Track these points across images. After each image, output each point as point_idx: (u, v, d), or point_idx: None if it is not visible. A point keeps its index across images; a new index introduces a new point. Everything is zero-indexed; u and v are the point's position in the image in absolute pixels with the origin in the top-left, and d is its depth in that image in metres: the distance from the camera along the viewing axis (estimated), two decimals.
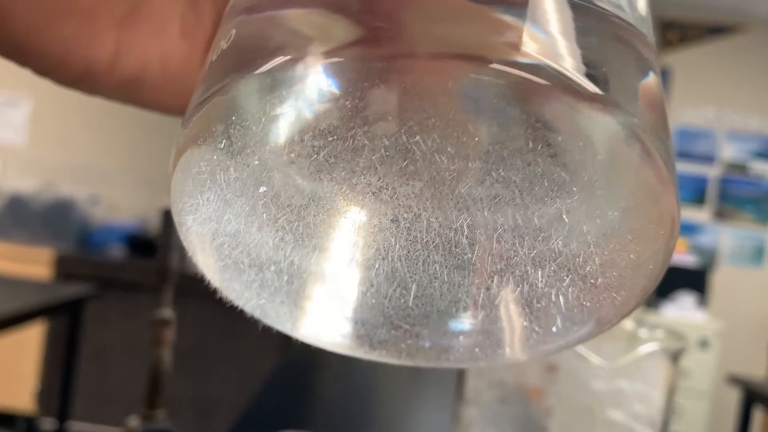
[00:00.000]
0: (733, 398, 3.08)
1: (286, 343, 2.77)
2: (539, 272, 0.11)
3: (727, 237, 3.33)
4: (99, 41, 0.17)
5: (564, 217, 0.11)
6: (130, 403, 1.94)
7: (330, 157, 0.10)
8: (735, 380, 2.20)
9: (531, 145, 0.10)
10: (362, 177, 0.11)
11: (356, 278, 0.12)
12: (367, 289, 0.12)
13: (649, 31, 0.12)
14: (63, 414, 2.12)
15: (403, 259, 0.11)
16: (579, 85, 0.09)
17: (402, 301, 0.12)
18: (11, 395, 2.75)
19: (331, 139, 0.10)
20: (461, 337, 0.12)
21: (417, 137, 0.10)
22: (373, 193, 0.11)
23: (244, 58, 0.11)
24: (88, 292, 2.09)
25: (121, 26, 0.18)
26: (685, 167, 3.34)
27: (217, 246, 0.13)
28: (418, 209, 0.11)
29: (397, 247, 0.11)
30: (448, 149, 0.10)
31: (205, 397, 2.78)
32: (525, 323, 0.12)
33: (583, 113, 0.10)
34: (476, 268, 0.11)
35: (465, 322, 0.12)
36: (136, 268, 2.81)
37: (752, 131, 3.37)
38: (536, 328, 0.12)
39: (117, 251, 2.99)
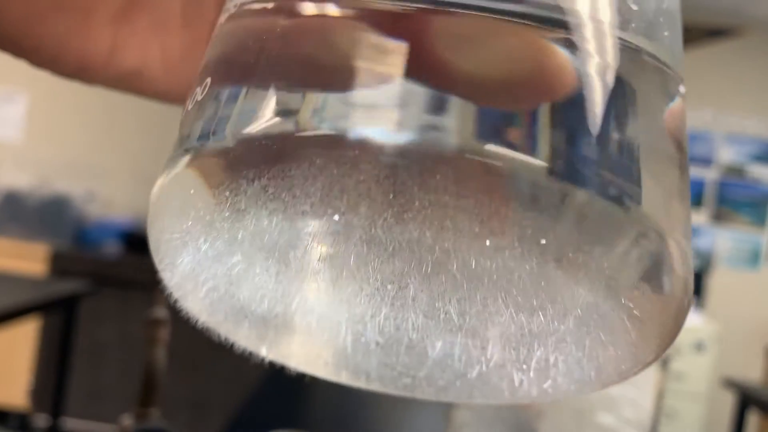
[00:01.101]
0: (728, 402, 3.09)
1: None
2: (536, 344, 0.11)
3: (724, 240, 3.33)
4: (95, 36, 0.17)
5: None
6: (124, 401, 1.89)
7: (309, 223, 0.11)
8: (730, 383, 2.21)
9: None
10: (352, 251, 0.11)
11: (346, 327, 0.12)
12: (358, 338, 0.12)
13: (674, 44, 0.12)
14: (56, 411, 2.11)
15: (390, 320, 0.11)
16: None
17: (393, 352, 0.12)
18: (5, 391, 2.74)
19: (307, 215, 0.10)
20: (457, 383, 0.12)
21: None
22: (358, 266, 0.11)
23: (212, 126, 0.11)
24: (83, 289, 2.08)
25: (118, 21, 0.17)
26: None
27: (204, 291, 0.13)
28: (406, 282, 0.11)
29: (383, 311, 0.11)
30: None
31: (200, 396, 2.78)
32: (522, 378, 0.12)
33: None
34: (469, 333, 0.11)
35: (461, 372, 0.12)
36: (131, 264, 2.80)
37: (750, 134, 3.37)
38: (533, 383, 0.12)
39: (112, 248, 2.98)
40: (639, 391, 0.29)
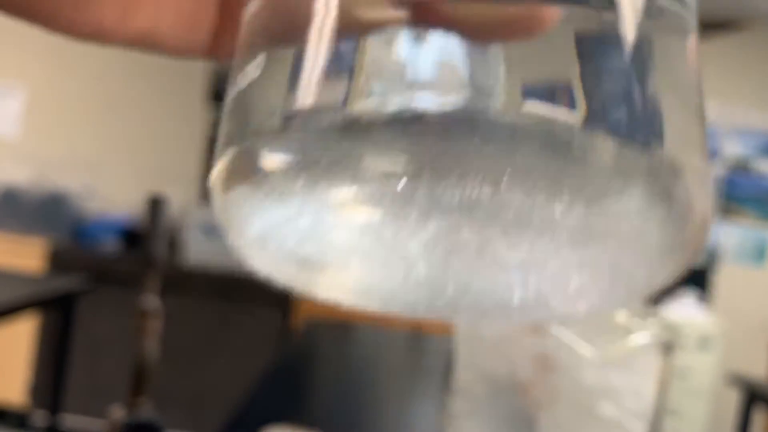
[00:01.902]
0: (733, 398, 3.07)
1: (278, 338, 2.77)
2: (578, 270, 0.13)
3: (729, 235, 3.31)
4: (107, 1, 0.18)
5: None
6: (123, 397, 1.86)
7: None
8: (736, 380, 2.19)
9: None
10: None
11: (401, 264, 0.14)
12: (410, 275, 0.14)
13: None
14: (55, 407, 2.11)
15: (441, 259, 0.13)
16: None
17: (441, 286, 0.14)
18: (3, 389, 2.75)
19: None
20: (498, 309, 0.14)
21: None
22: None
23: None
24: (81, 286, 2.07)
25: None
26: None
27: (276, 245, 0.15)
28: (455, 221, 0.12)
29: (435, 252, 0.13)
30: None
31: (197, 393, 2.78)
32: (560, 300, 0.14)
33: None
34: (513, 267, 0.13)
35: (504, 300, 0.14)
36: (129, 261, 2.79)
37: (756, 128, 3.35)
38: (574, 303, 0.14)
39: (111, 244, 2.97)
40: (641, 381, 0.28)
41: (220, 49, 0.19)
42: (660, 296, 2.98)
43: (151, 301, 0.35)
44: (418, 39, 0.11)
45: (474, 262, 0.13)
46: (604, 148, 0.11)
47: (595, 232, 0.12)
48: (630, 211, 0.12)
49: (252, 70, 0.13)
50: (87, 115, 3.32)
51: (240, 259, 0.16)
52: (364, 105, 0.11)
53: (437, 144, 0.11)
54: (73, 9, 0.17)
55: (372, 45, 0.12)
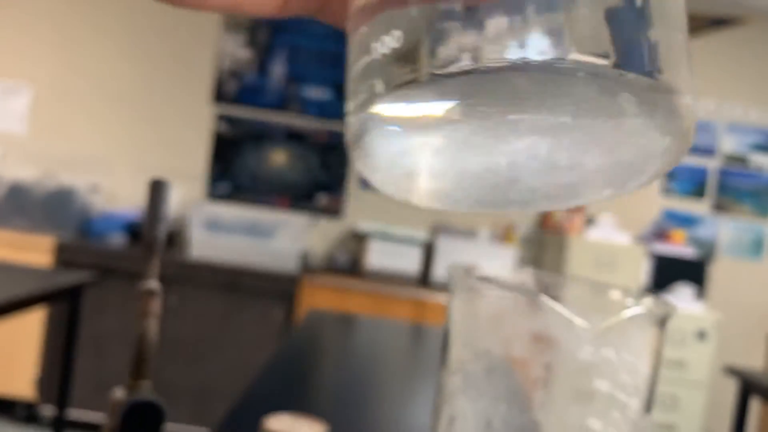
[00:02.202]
0: (730, 389, 3.09)
1: (282, 332, 2.78)
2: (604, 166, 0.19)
3: (726, 229, 3.33)
4: None
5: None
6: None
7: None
8: (733, 371, 2.21)
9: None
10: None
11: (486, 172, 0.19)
12: (485, 181, 0.19)
13: None
14: (62, 401, 2.12)
15: (509, 168, 0.19)
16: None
17: (504, 187, 0.20)
18: (11, 382, 2.77)
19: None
20: (545, 200, 0.20)
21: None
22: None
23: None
24: (88, 279, 2.09)
25: None
26: (684, 159, 3.33)
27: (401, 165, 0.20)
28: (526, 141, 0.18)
29: (507, 164, 0.19)
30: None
31: (203, 386, 2.79)
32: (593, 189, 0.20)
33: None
34: (558, 169, 0.19)
35: (551, 194, 0.20)
36: (135, 256, 2.81)
37: (752, 124, 3.36)
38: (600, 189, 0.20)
39: (117, 240, 2.99)
40: (636, 356, 0.29)
41: (286, 10, 0.23)
42: (658, 289, 3.00)
43: (153, 284, 0.36)
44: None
45: (532, 168, 0.19)
46: (626, 82, 0.16)
47: (616, 139, 0.18)
48: (640, 122, 0.17)
49: (386, 38, 0.17)
50: (93, 113, 3.33)
51: (368, 178, 0.20)
52: (491, 57, 0.16)
53: (524, 86, 0.16)
54: None
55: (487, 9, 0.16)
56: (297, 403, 0.95)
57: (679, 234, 3.04)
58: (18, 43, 3.32)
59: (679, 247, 3.01)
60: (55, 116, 3.33)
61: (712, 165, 3.35)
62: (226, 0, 0.22)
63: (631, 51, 0.16)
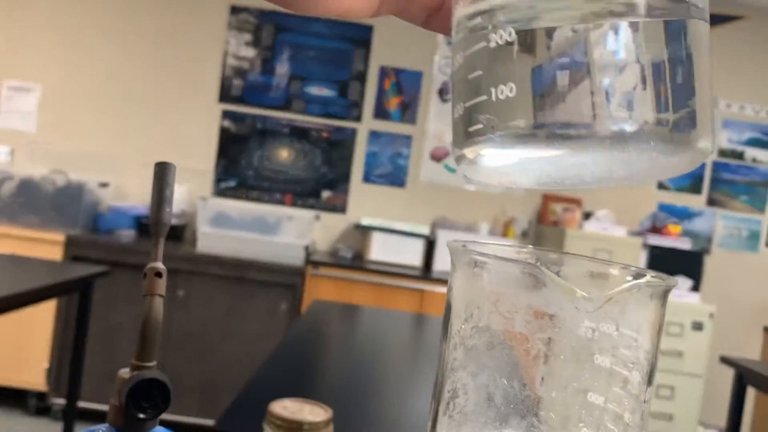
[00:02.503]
0: (726, 379, 3.11)
1: (288, 324, 2.79)
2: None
3: (722, 222, 3.34)
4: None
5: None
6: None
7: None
8: (729, 362, 2.22)
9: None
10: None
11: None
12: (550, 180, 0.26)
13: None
14: (73, 392, 2.14)
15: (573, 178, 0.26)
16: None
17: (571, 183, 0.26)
18: (23, 374, 2.79)
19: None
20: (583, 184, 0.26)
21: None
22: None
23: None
24: (98, 272, 2.10)
25: None
26: None
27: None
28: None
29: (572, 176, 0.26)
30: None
31: (210, 378, 2.81)
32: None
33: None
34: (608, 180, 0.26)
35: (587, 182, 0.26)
36: (144, 250, 2.82)
37: (748, 119, 3.37)
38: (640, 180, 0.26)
39: (126, 234, 3.00)
40: (636, 330, 0.30)
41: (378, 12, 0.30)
42: None
43: (158, 264, 0.37)
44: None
45: (590, 175, 0.25)
46: (674, 141, 0.23)
47: (649, 165, 0.24)
48: (671, 159, 0.24)
49: (504, 88, 0.24)
50: (101, 111, 3.36)
51: (469, 178, 0.28)
52: (600, 127, 0.22)
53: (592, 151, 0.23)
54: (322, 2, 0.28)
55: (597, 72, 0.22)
56: (301, 390, 0.96)
57: (675, 227, 3.05)
58: (27, 44, 3.33)
59: (676, 240, 3.01)
60: (64, 115, 3.35)
61: (708, 160, 3.36)
62: (336, 7, 0.28)
63: (681, 117, 0.22)
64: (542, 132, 0.23)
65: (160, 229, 0.38)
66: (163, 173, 0.38)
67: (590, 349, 0.30)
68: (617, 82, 0.22)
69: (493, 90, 0.24)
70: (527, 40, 0.24)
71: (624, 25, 0.22)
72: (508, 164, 0.26)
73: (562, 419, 0.31)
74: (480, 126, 0.25)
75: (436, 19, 0.31)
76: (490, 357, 0.31)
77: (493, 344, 0.31)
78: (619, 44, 0.22)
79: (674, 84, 0.22)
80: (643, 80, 0.22)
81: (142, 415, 0.35)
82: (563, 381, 0.30)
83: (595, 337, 0.30)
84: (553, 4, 0.24)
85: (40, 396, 2.87)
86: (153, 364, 0.37)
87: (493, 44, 0.24)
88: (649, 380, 0.30)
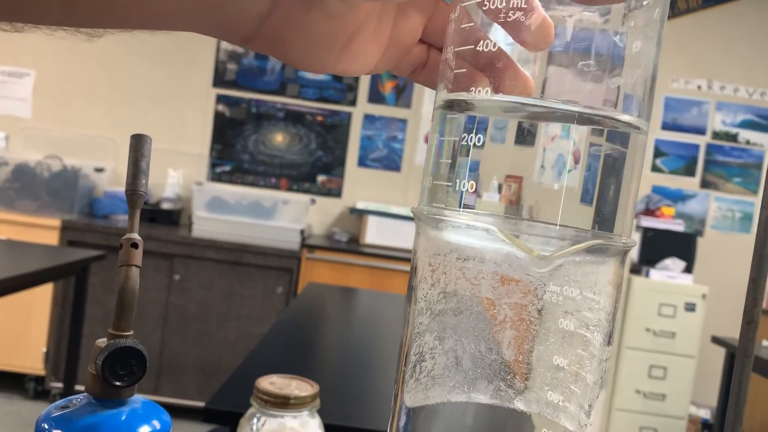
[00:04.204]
0: (718, 359, 3.13)
1: (285, 307, 2.80)
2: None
3: (715, 204, 3.35)
4: (328, 57, 0.34)
5: None
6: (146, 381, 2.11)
7: None
8: (721, 342, 2.24)
9: None
10: None
11: None
12: None
13: None
14: (70, 376, 2.15)
15: None
16: None
17: None
18: (22, 358, 2.81)
19: None
20: None
21: None
22: None
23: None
24: (94, 255, 2.11)
25: (347, 47, 0.33)
26: (675, 137, 3.34)
27: None
28: None
29: None
30: None
31: (208, 361, 2.83)
32: None
33: None
34: None
35: None
36: (140, 234, 2.82)
37: (742, 101, 3.36)
38: None
39: (122, 219, 3.01)
40: (599, 293, 0.30)
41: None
42: (647, 263, 3.01)
43: (134, 235, 0.37)
44: None
45: None
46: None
47: None
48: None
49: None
50: (95, 96, 3.36)
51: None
52: None
53: None
54: (324, 60, 0.33)
55: None
56: (292, 369, 0.97)
57: (669, 209, 3.06)
58: (22, 34, 3.31)
59: (669, 222, 3.02)
60: (59, 100, 3.34)
61: (701, 142, 3.36)
62: (342, 70, 0.34)
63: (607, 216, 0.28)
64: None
65: (136, 200, 0.38)
66: (138, 145, 0.38)
67: (555, 314, 0.31)
68: None
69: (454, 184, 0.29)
70: None
71: None
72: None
73: (528, 383, 0.31)
74: (440, 197, 0.30)
75: (421, 74, 0.37)
76: (458, 322, 0.32)
77: (460, 309, 0.32)
78: None
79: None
80: None
81: (118, 383, 0.35)
82: (529, 345, 0.31)
83: (560, 301, 0.30)
84: None
85: (39, 380, 2.89)
86: (130, 333, 0.37)
87: None
88: (609, 340, 0.31)
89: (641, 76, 0.29)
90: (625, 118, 0.28)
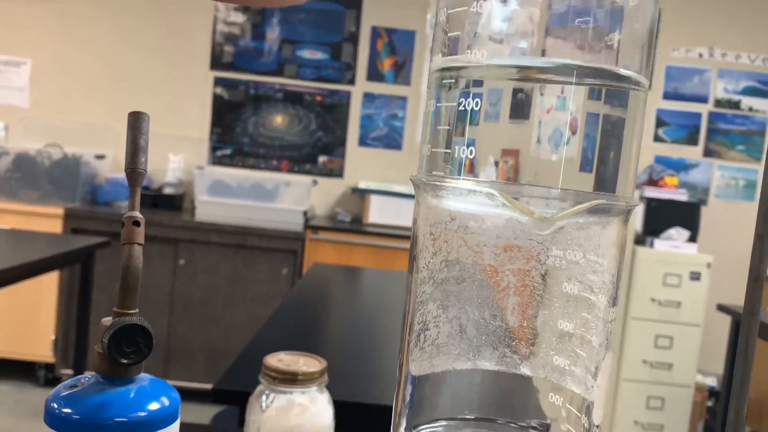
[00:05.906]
0: (723, 328, 3.15)
1: (291, 288, 2.81)
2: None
3: (719, 173, 3.33)
4: None
5: None
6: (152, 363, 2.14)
7: None
8: (726, 309, 2.24)
9: None
10: None
11: None
12: None
13: None
14: (79, 362, 2.17)
15: None
16: None
17: None
18: (31, 346, 2.84)
19: None
20: None
21: None
22: None
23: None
24: (98, 242, 2.12)
25: None
26: (677, 106, 3.31)
27: None
28: None
29: None
30: None
31: (215, 344, 2.85)
32: None
33: None
34: None
35: None
36: (146, 219, 2.83)
37: (744, 68, 3.33)
38: None
39: (125, 206, 3.01)
40: (603, 255, 0.30)
41: None
42: (652, 233, 3.00)
43: (136, 213, 0.37)
44: None
45: None
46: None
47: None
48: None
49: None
50: (94, 83, 3.35)
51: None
52: None
53: None
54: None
55: None
56: (300, 347, 0.98)
57: (672, 179, 3.05)
58: (18, 18, 3.28)
59: (673, 191, 3.01)
60: (57, 88, 3.32)
61: (704, 110, 3.34)
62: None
63: (607, 174, 0.29)
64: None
65: (136, 178, 0.38)
66: (136, 122, 0.38)
67: (558, 278, 0.30)
68: None
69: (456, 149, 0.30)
70: None
71: None
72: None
73: (534, 348, 0.31)
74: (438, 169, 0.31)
75: None
76: (460, 289, 0.31)
77: (463, 277, 0.32)
78: None
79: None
80: None
81: (125, 360, 0.35)
82: (533, 311, 0.31)
83: (563, 265, 0.30)
84: None
85: (49, 367, 2.92)
86: (135, 311, 0.37)
87: None
88: (614, 302, 0.31)
89: (639, 31, 0.28)
90: (626, 72, 0.28)
